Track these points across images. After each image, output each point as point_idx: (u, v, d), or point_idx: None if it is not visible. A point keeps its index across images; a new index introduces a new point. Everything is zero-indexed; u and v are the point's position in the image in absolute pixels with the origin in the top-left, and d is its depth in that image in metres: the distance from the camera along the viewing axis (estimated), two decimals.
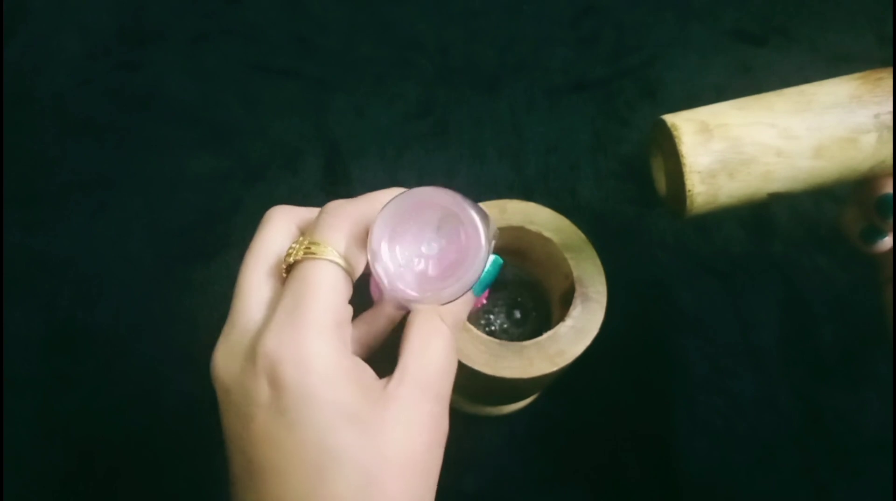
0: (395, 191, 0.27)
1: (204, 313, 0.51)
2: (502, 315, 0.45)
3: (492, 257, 0.30)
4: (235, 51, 0.66)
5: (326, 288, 0.24)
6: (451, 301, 0.25)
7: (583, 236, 0.39)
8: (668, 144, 0.30)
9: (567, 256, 0.39)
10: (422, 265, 0.24)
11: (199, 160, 0.59)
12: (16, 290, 0.52)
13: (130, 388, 0.49)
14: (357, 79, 0.64)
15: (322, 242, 0.25)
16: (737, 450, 0.48)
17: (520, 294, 0.45)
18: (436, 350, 0.25)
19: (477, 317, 0.45)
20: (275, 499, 0.22)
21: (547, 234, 0.39)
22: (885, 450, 0.48)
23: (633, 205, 0.58)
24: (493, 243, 0.28)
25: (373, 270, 0.25)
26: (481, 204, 0.40)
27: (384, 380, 0.25)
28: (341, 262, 0.24)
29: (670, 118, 0.30)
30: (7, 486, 0.45)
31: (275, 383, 0.22)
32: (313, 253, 0.24)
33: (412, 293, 0.24)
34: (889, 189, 0.31)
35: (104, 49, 0.65)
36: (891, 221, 0.31)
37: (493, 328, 0.45)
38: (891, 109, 0.29)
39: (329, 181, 0.58)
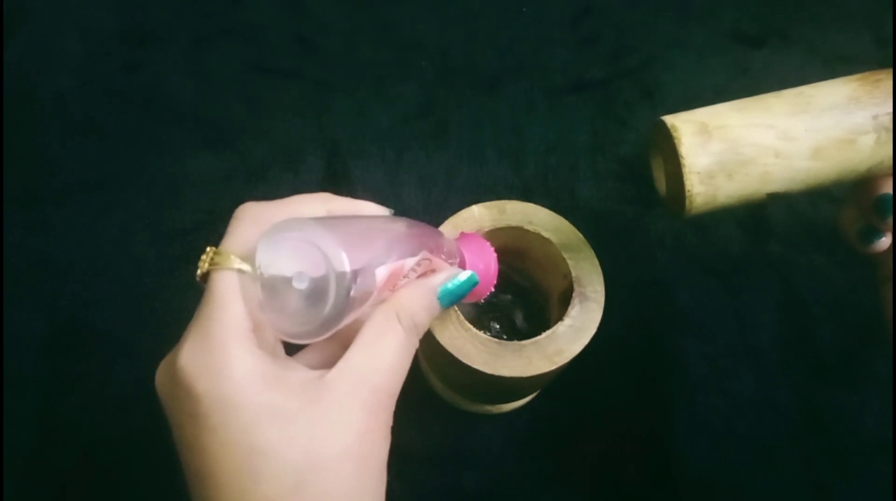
0: (312, 199, 0.27)
1: None
2: (501, 315, 0.46)
3: (467, 274, 0.30)
4: (236, 51, 0.66)
5: (233, 297, 0.24)
6: (313, 339, 0.24)
7: (581, 236, 0.39)
8: (667, 145, 0.30)
9: (565, 256, 0.39)
10: (292, 298, 0.24)
11: (200, 161, 0.59)
12: (17, 290, 0.53)
13: (132, 388, 0.49)
14: (357, 79, 0.64)
15: (224, 250, 0.25)
16: (736, 450, 0.48)
17: (518, 294, 0.46)
18: (383, 347, 0.25)
19: (476, 316, 0.45)
20: None
21: (545, 234, 0.39)
22: (885, 450, 0.48)
23: (631, 205, 0.58)
24: (419, 268, 0.28)
25: (243, 291, 0.24)
26: (480, 205, 0.40)
27: (322, 371, 0.24)
28: (247, 268, 0.24)
29: (670, 119, 0.30)
30: (7, 486, 0.46)
31: (192, 395, 0.22)
32: (216, 263, 0.24)
33: (272, 325, 0.24)
34: (887, 190, 0.31)
35: (105, 50, 0.66)
36: (888, 221, 0.31)
37: (492, 327, 0.45)
38: (889, 110, 0.29)
39: (330, 182, 0.58)
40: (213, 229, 0.55)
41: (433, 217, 0.39)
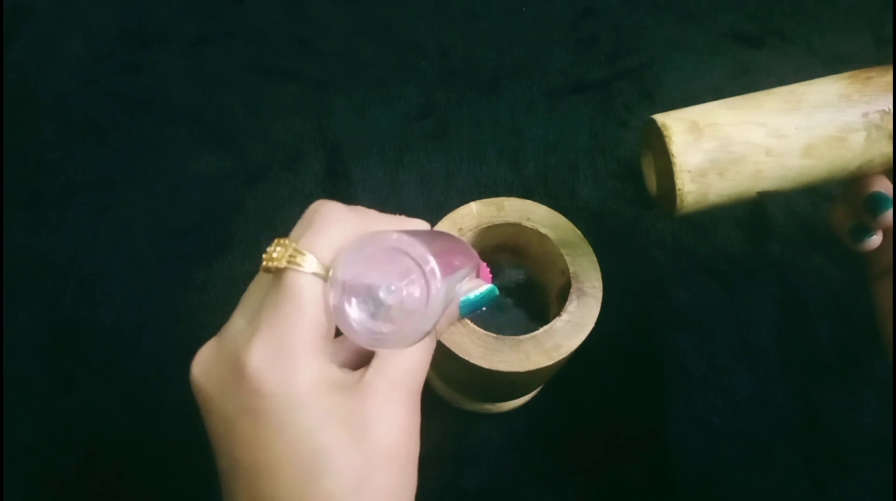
0: (382, 218, 0.27)
1: (206, 312, 0.52)
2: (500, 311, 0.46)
3: (488, 287, 0.30)
4: (237, 53, 0.66)
5: (311, 304, 0.23)
6: (389, 349, 0.25)
7: (579, 232, 0.40)
8: (658, 144, 0.31)
9: (563, 252, 0.39)
10: (375, 309, 0.24)
11: (201, 161, 0.59)
12: (19, 290, 0.53)
13: (133, 387, 0.49)
14: (358, 80, 0.64)
15: (307, 251, 0.24)
16: (734, 449, 0.48)
17: (517, 290, 0.46)
18: (411, 350, 0.26)
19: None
20: (268, 499, 0.23)
21: (543, 230, 0.39)
22: (883, 448, 0.48)
23: (631, 205, 0.58)
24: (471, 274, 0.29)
25: (327, 305, 0.24)
26: (478, 201, 0.40)
27: (360, 372, 0.25)
28: (326, 274, 0.24)
29: (661, 118, 0.31)
30: (8, 486, 0.46)
31: (257, 392, 0.22)
32: (298, 264, 0.23)
33: (360, 337, 0.24)
34: (877, 188, 0.32)
35: (107, 51, 0.66)
36: (879, 218, 0.32)
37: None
38: (879, 108, 0.29)
39: (330, 182, 0.58)
40: (213, 229, 0.56)
41: (433, 217, 0.39)
